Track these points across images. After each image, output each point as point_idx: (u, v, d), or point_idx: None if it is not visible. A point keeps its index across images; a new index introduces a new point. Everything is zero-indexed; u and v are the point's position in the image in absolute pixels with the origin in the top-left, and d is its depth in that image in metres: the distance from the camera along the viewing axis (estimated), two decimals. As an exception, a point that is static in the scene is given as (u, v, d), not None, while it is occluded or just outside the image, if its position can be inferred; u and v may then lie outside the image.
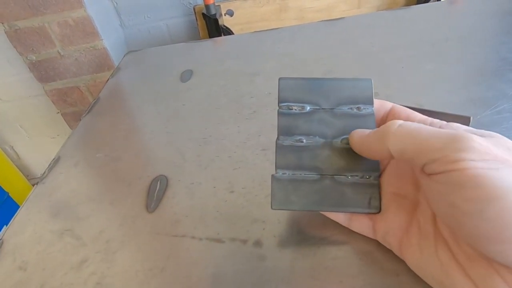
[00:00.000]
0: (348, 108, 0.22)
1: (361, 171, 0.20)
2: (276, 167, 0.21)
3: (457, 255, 0.16)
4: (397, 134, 0.17)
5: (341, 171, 0.21)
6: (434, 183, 0.16)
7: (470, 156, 0.14)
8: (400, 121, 0.18)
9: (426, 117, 0.19)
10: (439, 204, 0.16)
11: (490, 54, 0.40)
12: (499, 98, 0.33)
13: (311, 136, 0.21)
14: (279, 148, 0.21)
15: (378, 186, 0.20)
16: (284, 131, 0.22)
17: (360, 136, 0.20)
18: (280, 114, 0.22)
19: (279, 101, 0.22)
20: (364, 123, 0.21)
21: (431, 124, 0.18)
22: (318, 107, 0.22)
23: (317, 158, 0.21)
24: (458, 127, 0.18)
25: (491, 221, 0.14)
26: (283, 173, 0.21)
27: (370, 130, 0.19)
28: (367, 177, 0.20)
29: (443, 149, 0.15)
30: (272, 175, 0.21)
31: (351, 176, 0.20)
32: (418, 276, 0.19)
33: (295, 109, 0.22)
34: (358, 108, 0.21)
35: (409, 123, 0.17)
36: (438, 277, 0.17)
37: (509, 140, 0.16)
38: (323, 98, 0.22)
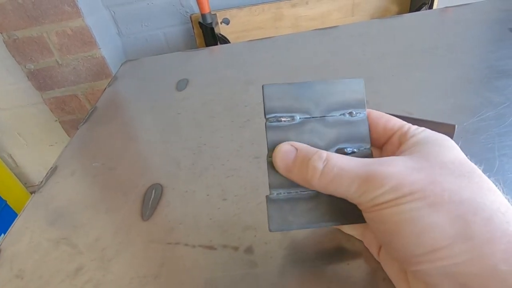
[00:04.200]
0: (340, 114, 0.20)
1: None
2: (270, 188, 0.20)
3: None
4: (321, 184, 0.18)
5: None
6: (364, 216, 0.18)
7: (379, 199, 0.16)
8: (321, 166, 0.17)
9: (404, 122, 0.20)
10: (371, 231, 0.19)
11: (478, 62, 0.42)
12: (485, 105, 0.34)
13: None
14: (270, 167, 0.20)
15: None
16: (274, 147, 0.20)
17: (285, 165, 0.19)
18: (268, 128, 0.20)
19: (266, 112, 0.20)
20: (358, 129, 0.20)
21: (407, 130, 0.19)
22: (308, 116, 0.20)
23: None
24: (421, 135, 0.18)
25: (397, 250, 0.16)
26: (277, 194, 0.20)
27: (294, 152, 0.19)
28: None
29: (359, 197, 0.17)
30: (267, 197, 0.20)
31: None
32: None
33: (284, 121, 0.20)
34: (351, 114, 0.20)
35: (329, 168, 0.17)
36: (394, 281, 0.19)
37: (449, 164, 0.16)
38: (313, 105, 0.20)
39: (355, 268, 0.21)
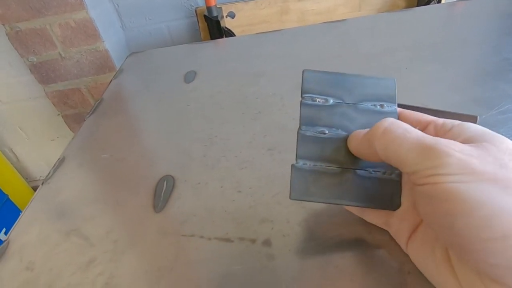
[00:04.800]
0: (371, 105, 0.21)
1: (384, 167, 0.20)
2: (297, 157, 0.21)
3: (451, 257, 0.17)
4: (381, 141, 0.17)
5: (364, 165, 0.20)
6: (416, 192, 0.17)
7: (443, 170, 0.15)
8: (386, 124, 0.18)
9: (436, 118, 0.19)
10: (421, 212, 0.17)
11: (492, 55, 0.41)
12: (503, 98, 0.33)
13: (333, 129, 0.21)
14: (301, 137, 0.21)
15: (400, 183, 0.20)
16: (306, 122, 0.21)
17: (356, 139, 0.20)
18: (303, 104, 0.22)
19: (303, 92, 0.22)
20: None
21: (442, 125, 0.18)
22: (341, 101, 0.21)
23: (340, 151, 0.21)
24: (470, 127, 0.17)
25: (460, 234, 0.14)
26: (303, 163, 0.20)
27: (365, 131, 0.19)
28: (390, 173, 0.20)
29: (419, 164, 0.16)
30: (292, 165, 0.20)
31: (373, 171, 0.20)
32: (429, 274, 0.19)
33: (319, 101, 0.22)
34: (381, 106, 0.21)
35: (394, 127, 0.17)
36: (433, 274, 0.18)
37: (509, 142, 0.15)
38: (347, 93, 0.22)
39: (378, 262, 0.21)
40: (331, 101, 0.22)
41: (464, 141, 0.16)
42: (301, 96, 0.22)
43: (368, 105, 0.21)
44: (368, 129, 0.19)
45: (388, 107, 0.21)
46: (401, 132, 0.17)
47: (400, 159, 0.17)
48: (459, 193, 0.14)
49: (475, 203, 0.14)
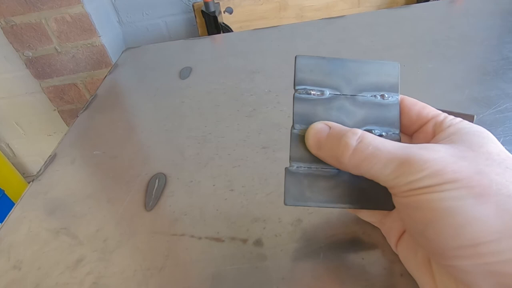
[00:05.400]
0: (371, 96, 0.19)
1: None
2: (291, 160, 0.19)
3: (431, 260, 0.17)
4: (352, 162, 0.17)
5: None
6: (395, 201, 0.17)
7: (418, 185, 0.15)
8: (354, 144, 0.17)
9: (439, 112, 0.19)
10: (400, 219, 0.17)
11: (492, 53, 0.40)
12: (501, 97, 0.32)
13: None
14: (294, 138, 0.19)
15: None
16: (300, 119, 0.19)
17: (317, 142, 0.18)
18: (296, 99, 0.19)
19: (296, 83, 0.20)
20: (388, 113, 0.19)
21: (443, 120, 0.18)
22: (338, 93, 0.19)
23: None
24: (464, 127, 0.17)
25: (431, 241, 0.15)
26: (297, 167, 0.19)
27: (327, 130, 0.18)
28: None
29: (395, 180, 0.15)
30: (286, 168, 0.19)
31: None
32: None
33: (314, 94, 0.19)
34: (382, 96, 0.19)
35: (363, 147, 0.16)
36: (415, 274, 0.18)
37: (494, 155, 0.15)
38: (345, 82, 0.20)
39: (371, 263, 0.20)
40: (327, 93, 0.19)
41: (451, 141, 0.16)
42: (294, 88, 0.20)
43: (368, 96, 0.19)
44: (330, 130, 0.18)
45: (389, 98, 0.19)
46: (372, 150, 0.16)
47: (375, 176, 0.16)
48: (431, 202, 0.14)
49: (446, 212, 0.14)
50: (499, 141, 0.16)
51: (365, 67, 0.20)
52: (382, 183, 0.16)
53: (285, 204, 0.19)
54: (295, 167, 0.19)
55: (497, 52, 0.40)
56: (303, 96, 0.20)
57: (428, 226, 0.14)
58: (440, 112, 0.19)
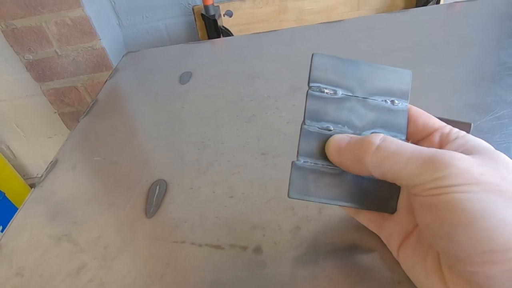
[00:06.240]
0: (382, 100, 0.20)
1: None
2: (298, 154, 0.20)
3: (442, 266, 0.16)
4: (374, 160, 0.17)
5: None
6: (415, 202, 0.17)
7: (445, 183, 0.14)
8: (377, 141, 0.17)
9: (444, 124, 0.19)
10: (419, 221, 0.17)
11: (490, 58, 0.41)
12: (499, 103, 0.33)
13: (339, 125, 0.20)
14: (304, 133, 0.20)
15: (399, 187, 0.20)
16: (311, 116, 0.20)
17: (337, 149, 0.19)
18: (310, 96, 0.20)
19: (310, 81, 0.20)
20: (396, 119, 0.20)
21: (450, 132, 0.18)
22: (350, 94, 0.20)
23: None
24: (473, 140, 0.17)
25: (460, 245, 0.14)
26: (304, 161, 0.20)
27: (348, 139, 0.19)
28: None
29: (419, 176, 0.15)
30: (293, 162, 0.20)
31: None
32: (419, 285, 0.19)
33: (327, 92, 0.20)
34: (392, 102, 0.20)
35: (387, 144, 0.17)
36: (423, 283, 0.17)
37: (511, 164, 0.15)
38: (357, 84, 0.20)
39: (369, 271, 0.21)
40: (340, 93, 0.20)
41: (464, 152, 0.16)
42: (308, 85, 0.20)
43: (379, 100, 0.20)
44: (350, 139, 0.19)
45: (399, 104, 0.20)
46: (395, 148, 0.17)
47: (397, 174, 0.16)
48: (462, 203, 0.14)
49: (478, 214, 0.14)
50: (499, 148, 0.17)
51: (379, 72, 0.20)
52: (403, 182, 0.16)
53: (289, 196, 0.20)
54: (302, 162, 0.20)
55: (495, 57, 0.41)
56: (316, 93, 0.20)
57: (459, 228, 0.14)
58: (445, 124, 0.19)
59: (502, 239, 0.13)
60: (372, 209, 0.20)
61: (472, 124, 0.25)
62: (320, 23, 0.58)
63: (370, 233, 0.22)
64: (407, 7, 0.89)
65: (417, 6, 0.86)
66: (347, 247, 0.22)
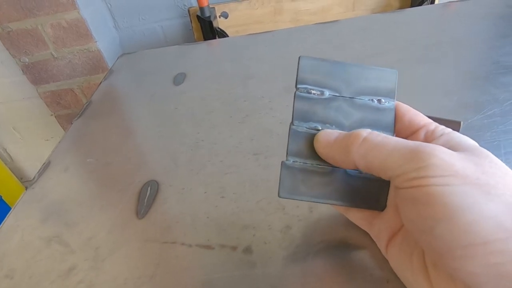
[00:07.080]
0: (368, 99, 0.20)
1: None
2: (288, 154, 0.20)
3: (427, 264, 0.16)
4: (361, 150, 0.17)
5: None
6: (399, 197, 0.17)
7: (427, 172, 0.15)
8: (364, 134, 0.18)
9: (430, 121, 0.19)
10: (403, 217, 0.17)
11: (483, 58, 0.41)
12: (491, 102, 0.33)
13: (327, 125, 0.20)
14: (293, 133, 0.20)
15: (388, 184, 0.20)
16: (299, 116, 0.20)
17: (326, 143, 0.19)
18: (297, 97, 0.20)
19: (298, 82, 0.20)
20: (383, 117, 0.20)
21: (435, 129, 0.18)
22: (337, 94, 0.20)
23: None
24: (458, 137, 0.17)
25: (441, 239, 0.14)
26: (294, 161, 0.20)
27: (337, 134, 0.19)
28: None
29: (402, 166, 0.16)
30: (282, 162, 0.20)
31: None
32: (408, 284, 0.18)
33: (314, 93, 0.20)
34: (379, 101, 0.20)
35: (373, 136, 0.17)
36: (409, 280, 0.18)
37: (494, 160, 0.15)
38: (344, 85, 0.21)
39: (358, 269, 0.21)
40: (327, 93, 0.20)
41: (449, 148, 0.16)
42: (296, 87, 0.20)
43: (366, 99, 0.20)
44: (339, 133, 0.19)
45: (385, 103, 0.20)
46: (381, 139, 0.17)
47: (381, 164, 0.16)
48: (443, 197, 0.14)
49: (458, 208, 0.14)
50: (490, 146, 0.17)
51: (365, 72, 0.21)
52: (388, 172, 0.16)
53: (279, 196, 0.20)
54: (291, 161, 0.20)
55: (488, 56, 0.41)
56: (303, 94, 0.20)
57: (440, 222, 0.14)
58: (431, 121, 0.19)
59: (482, 232, 0.13)
60: (362, 207, 0.20)
61: (462, 123, 0.25)
62: (315, 23, 0.58)
63: (361, 231, 0.22)
64: (402, 7, 0.90)
65: (412, 6, 0.86)
66: (337, 246, 0.22)
